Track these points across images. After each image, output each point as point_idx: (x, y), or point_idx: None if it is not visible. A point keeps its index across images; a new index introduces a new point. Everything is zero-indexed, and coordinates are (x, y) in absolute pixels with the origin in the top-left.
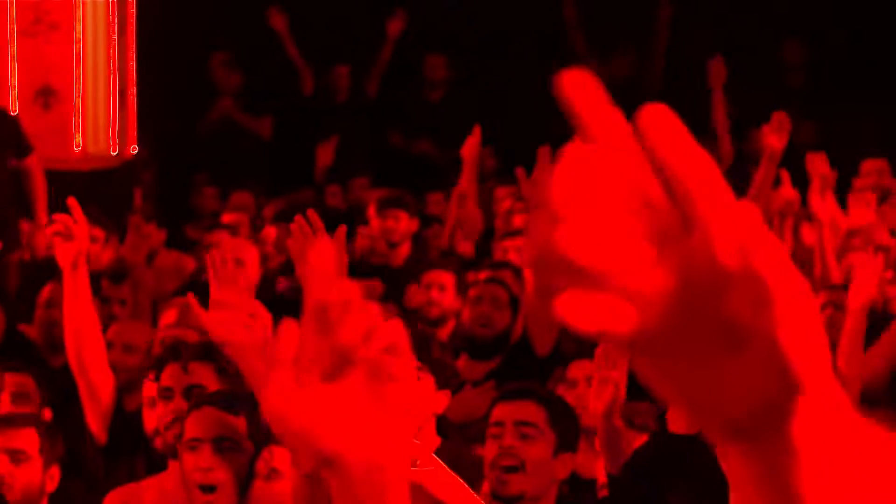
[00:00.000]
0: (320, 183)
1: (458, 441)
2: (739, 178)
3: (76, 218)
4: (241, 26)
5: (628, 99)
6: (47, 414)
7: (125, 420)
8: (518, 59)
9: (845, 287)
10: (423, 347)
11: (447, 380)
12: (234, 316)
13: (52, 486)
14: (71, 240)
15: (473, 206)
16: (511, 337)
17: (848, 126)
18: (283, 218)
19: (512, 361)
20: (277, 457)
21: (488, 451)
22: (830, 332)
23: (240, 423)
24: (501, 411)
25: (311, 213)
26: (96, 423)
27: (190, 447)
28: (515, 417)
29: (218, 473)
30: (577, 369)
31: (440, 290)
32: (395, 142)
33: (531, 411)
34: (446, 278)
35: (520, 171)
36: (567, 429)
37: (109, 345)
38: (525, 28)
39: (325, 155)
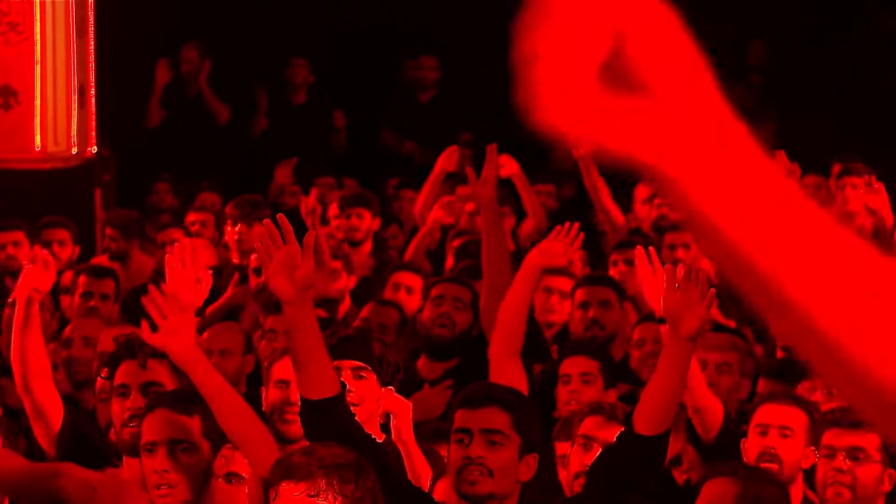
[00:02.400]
0: (274, 199)
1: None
2: None
3: (48, 264)
4: (201, 26)
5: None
6: None
7: (76, 437)
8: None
9: None
10: (365, 345)
11: (391, 376)
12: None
13: None
14: (36, 276)
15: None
16: (471, 338)
17: (808, 126)
18: (244, 218)
19: (469, 362)
20: (238, 461)
21: (454, 456)
22: None
23: (194, 423)
24: (466, 418)
25: (280, 217)
26: (45, 440)
27: (146, 450)
28: (482, 425)
29: (173, 475)
30: (569, 365)
31: (408, 293)
32: (386, 140)
33: (497, 418)
34: (415, 281)
35: (469, 171)
36: (531, 430)
37: (69, 342)
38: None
39: (283, 175)
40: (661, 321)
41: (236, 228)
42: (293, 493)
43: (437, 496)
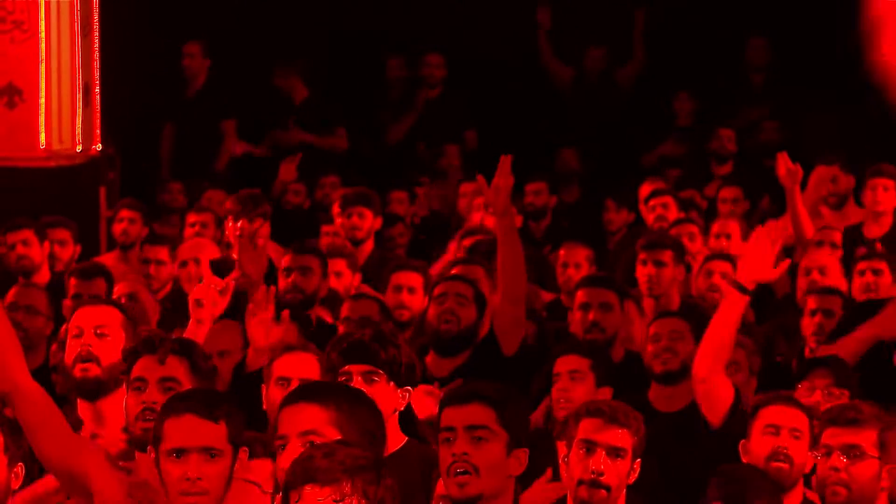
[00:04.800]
0: (277, 196)
1: (424, 439)
2: (702, 176)
3: None
4: (207, 24)
5: (600, 98)
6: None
7: None
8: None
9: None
10: (374, 349)
11: (406, 378)
12: None
13: (17, 483)
14: None
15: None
16: (477, 334)
17: (810, 123)
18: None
19: (478, 360)
20: (256, 470)
21: (441, 455)
22: (820, 336)
23: (220, 430)
24: (450, 416)
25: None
26: None
27: (173, 454)
28: (465, 422)
29: (204, 483)
30: (560, 364)
31: (410, 293)
32: (394, 138)
33: (480, 414)
34: (416, 280)
35: (480, 178)
36: (518, 425)
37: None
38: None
39: (287, 171)
40: None
41: (238, 224)
42: (317, 497)
43: (438, 495)
